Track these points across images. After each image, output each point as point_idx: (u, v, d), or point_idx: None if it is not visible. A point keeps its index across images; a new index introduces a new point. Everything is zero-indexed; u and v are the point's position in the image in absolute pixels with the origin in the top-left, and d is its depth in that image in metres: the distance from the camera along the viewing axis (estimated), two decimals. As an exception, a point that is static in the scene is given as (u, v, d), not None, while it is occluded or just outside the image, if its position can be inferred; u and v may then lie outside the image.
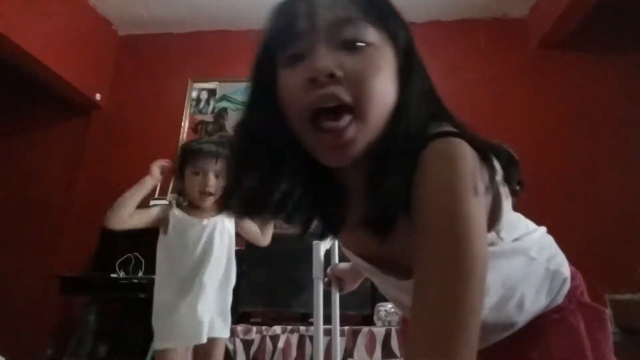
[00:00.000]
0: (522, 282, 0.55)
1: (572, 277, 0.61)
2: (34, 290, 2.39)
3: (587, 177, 2.46)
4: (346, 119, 0.45)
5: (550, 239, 0.64)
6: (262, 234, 1.48)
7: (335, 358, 1.10)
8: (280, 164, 0.50)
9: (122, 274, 2.12)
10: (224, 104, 2.86)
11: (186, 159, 1.31)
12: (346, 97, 0.44)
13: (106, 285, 2.08)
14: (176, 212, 1.31)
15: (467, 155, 0.44)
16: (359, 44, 0.46)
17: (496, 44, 2.82)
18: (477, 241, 0.40)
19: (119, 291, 2.04)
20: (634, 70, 2.62)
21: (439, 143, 0.45)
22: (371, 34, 0.47)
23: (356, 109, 0.45)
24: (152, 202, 2.29)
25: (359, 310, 1.90)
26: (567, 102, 2.63)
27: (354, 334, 1.73)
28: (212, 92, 2.89)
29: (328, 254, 1.12)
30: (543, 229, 0.65)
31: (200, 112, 2.85)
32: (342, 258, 1.05)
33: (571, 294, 0.59)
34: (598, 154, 2.50)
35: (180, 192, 1.36)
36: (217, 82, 2.91)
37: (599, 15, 2.43)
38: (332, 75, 0.44)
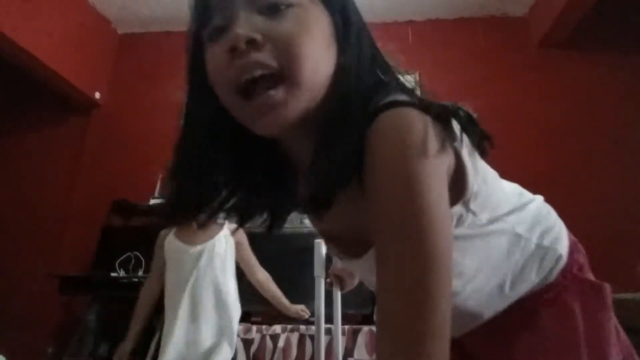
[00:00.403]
0: (505, 262, 0.52)
1: (571, 251, 0.56)
2: (34, 289, 2.39)
3: (587, 176, 2.46)
4: (280, 90, 0.41)
5: (547, 209, 0.59)
6: (258, 269, 1.48)
7: (337, 357, 1.09)
8: (220, 149, 0.47)
9: (122, 273, 2.12)
10: (223, 102, 2.85)
11: None
12: (271, 62, 0.41)
13: (106, 285, 2.08)
14: (171, 238, 1.33)
15: (418, 124, 0.40)
16: (282, 6, 0.42)
17: (496, 42, 2.82)
18: (436, 222, 0.37)
19: (120, 290, 2.04)
20: (634, 68, 2.62)
21: (388, 114, 0.41)
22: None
23: (285, 73, 0.41)
24: (152, 201, 2.29)
25: (359, 309, 1.90)
26: (567, 100, 2.63)
27: (354, 333, 1.73)
28: (211, 91, 2.89)
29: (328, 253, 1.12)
30: (539, 199, 0.59)
31: (200, 111, 2.85)
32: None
33: (567, 270, 0.54)
34: (598, 153, 2.50)
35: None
36: (216, 81, 2.91)
37: (598, 14, 2.43)
38: (252, 42, 0.41)
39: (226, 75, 0.43)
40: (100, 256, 2.28)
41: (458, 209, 0.46)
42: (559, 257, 0.54)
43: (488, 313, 0.54)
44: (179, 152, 0.49)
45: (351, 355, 1.70)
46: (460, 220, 0.46)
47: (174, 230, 1.33)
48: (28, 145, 2.86)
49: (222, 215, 0.52)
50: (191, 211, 0.51)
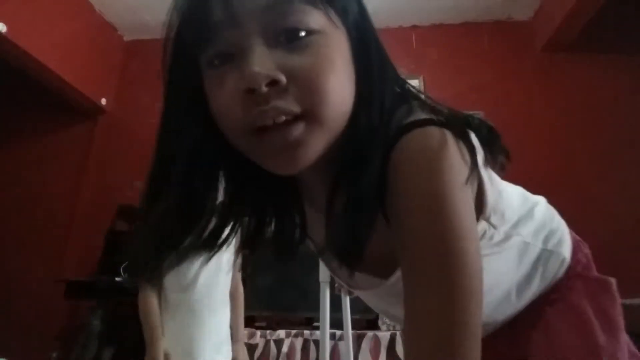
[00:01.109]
0: (513, 271, 0.50)
1: (575, 252, 0.56)
2: (39, 294, 2.39)
3: (591, 179, 2.44)
4: (299, 127, 0.36)
5: (550, 212, 0.57)
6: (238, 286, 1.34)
7: None
8: (207, 174, 0.41)
9: (127, 278, 2.12)
10: (228, 108, 2.87)
11: None
12: (295, 108, 0.36)
13: (111, 289, 2.08)
14: None
15: (449, 145, 0.36)
16: (302, 33, 0.36)
17: (501, 47, 2.82)
18: (470, 249, 0.35)
19: (124, 295, 2.04)
20: (638, 72, 2.60)
21: (413, 137, 0.37)
22: (316, 18, 0.37)
23: (309, 116, 0.36)
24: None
25: (364, 314, 1.89)
26: (573, 104, 2.62)
27: (359, 338, 1.72)
28: (216, 97, 2.90)
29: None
30: (542, 201, 0.57)
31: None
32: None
33: (571, 270, 0.54)
34: (603, 156, 2.48)
35: None
36: (221, 87, 2.92)
37: (603, 17, 2.42)
38: (274, 83, 0.35)
39: (239, 117, 0.36)
40: (105, 261, 2.29)
41: (481, 225, 0.44)
42: (563, 259, 0.54)
43: (498, 319, 0.53)
44: (154, 177, 0.43)
45: (356, 361, 1.69)
46: (483, 237, 0.44)
47: None
48: (34, 150, 2.88)
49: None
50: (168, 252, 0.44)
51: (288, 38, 0.36)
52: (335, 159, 0.39)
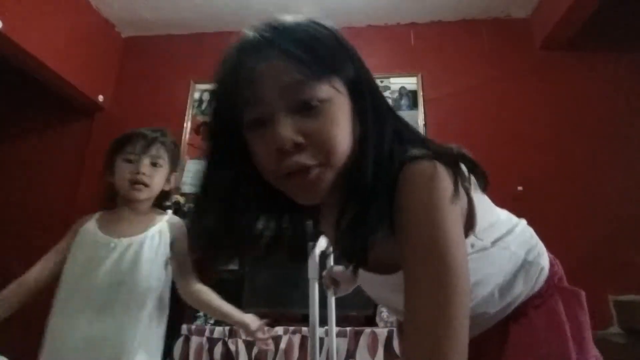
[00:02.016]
0: (498, 274, 0.61)
1: (551, 265, 0.67)
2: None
3: (590, 177, 2.45)
4: (314, 171, 0.50)
5: (530, 231, 0.69)
6: (194, 278, 1.15)
7: (331, 358, 1.09)
8: (248, 197, 0.56)
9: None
10: (226, 105, 2.86)
11: (116, 148, 1.10)
12: (311, 161, 0.49)
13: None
14: (89, 226, 1.09)
15: (440, 174, 0.48)
16: (314, 103, 0.49)
17: (499, 44, 2.82)
18: (458, 254, 0.45)
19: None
20: (637, 70, 2.61)
21: (413, 168, 0.49)
22: (324, 90, 0.50)
23: (322, 164, 0.50)
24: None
25: (361, 310, 1.89)
26: (570, 102, 2.62)
27: (357, 335, 1.73)
28: (214, 94, 2.90)
29: (324, 255, 1.12)
30: (523, 222, 0.70)
31: (202, 113, 2.86)
32: (339, 259, 1.05)
33: (550, 280, 0.65)
34: (601, 155, 2.49)
35: (105, 201, 1.14)
36: (219, 84, 2.92)
37: (602, 15, 2.42)
38: (297, 145, 0.49)
39: (273, 168, 0.51)
40: (103, 258, 2.29)
41: (470, 239, 0.55)
42: (542, 269, 0.65)
43: (486, 312, 0.62)
44: (206, 201, 0.56)
45: (353, 357, 1.69)
46: (472, 247, 0.56)
47: (97, 215, 1.12)
48: (31, 148, 2.87)
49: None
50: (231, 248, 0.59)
51: (304, 107, 0.49)
52: (341, 185, 0.52)
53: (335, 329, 1.70)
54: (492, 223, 0.60)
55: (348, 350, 1.70)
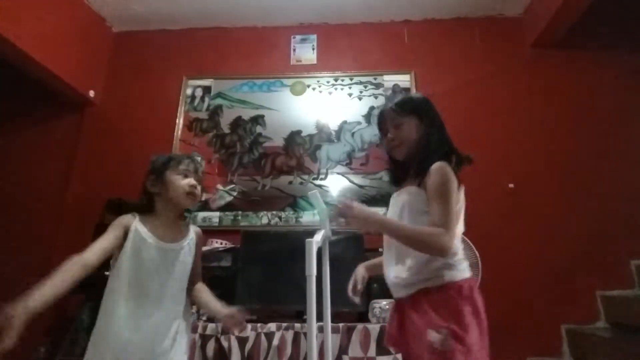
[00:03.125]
0: (426, 262, 1.06)
1: (466, 280, 1.05)
2: (27, 288, 2.36)
3: (579, 174, 2.48)
4: (399, 147, 1.22)
5: (462, 246, 1.13)
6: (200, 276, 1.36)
7: (327, 353, 1.10)
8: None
9: (116, 272, 2.10)
10: (218, 101, 2.85)
11: (166, 165, 1.29)
12: (399, 152, 1.22)
13: (100, 284, 2.06)
14: (138, 226, 1.22)
15: (448, 169, 1.06)
16: (398, 122, 1.20)
17: (491, 42, 2.84)
18: (452, 200, 1.03)
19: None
20: (628, 69, 2.64)
21: (438, 164, 1.07)
22: (405, 119, 1.20)
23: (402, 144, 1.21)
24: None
25: (355, 307, 1.90)
26: (562, 100, 2.65)
27: (349, 331, 1.74)
28: (207, 89, 2.88)
29: (320, 251, 1.13)
30: (464, 240, 1.31)
31: (195, 109, 2.84)
32: (333, 256, 1.08)
33: (453, 283, 1.03)
34: (592, 152, 2.52)
35: (144, 207, 1.28)
36: (212, 79, 2.90)
37: (593, 14, 2.45)
38: (392, 139, 1.21)
39: (389, 145, 1.24)
40: (94, 255, 2.27)
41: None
42: (456, 272, 1.05)
43: (403, 282, 1.09)
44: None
45: (346, 353, 1.70)
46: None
47: (136, 217, 1.25)
48: (21, 143, 2.84)
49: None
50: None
51: (395, 127, 1.23)
52: (411, 158, 1.19)
53: (330, 325, 1.71)
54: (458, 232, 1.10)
55: (341, 346, 1.71)
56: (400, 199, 1.16)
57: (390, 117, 1.19)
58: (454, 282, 1.02)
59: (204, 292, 1.32)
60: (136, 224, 1.23)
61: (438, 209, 1.00)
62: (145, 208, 1.29)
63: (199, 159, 1.39)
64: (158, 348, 1.16)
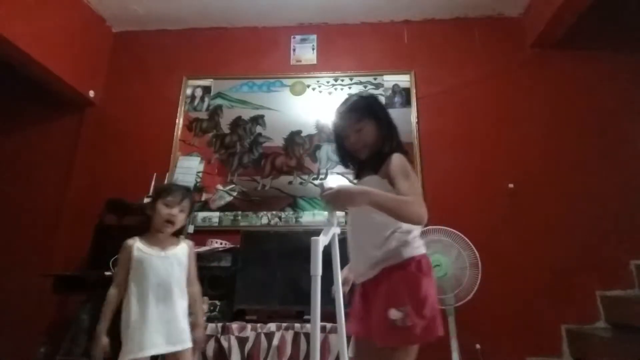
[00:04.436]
0: (385, 238, 1.15)
1: (421, 256, 1.15)
2: (28, 288, 2.37)
3: (579, 174, 2.48)
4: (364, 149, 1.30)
5: (418, 231, 1.21)
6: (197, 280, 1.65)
7: (343, 356, 1.08)
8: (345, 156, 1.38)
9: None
10: (218, 101, 2.85)
11: (160, 194, 1.61)
12: (363, 153, 1.30)
13: (100, 284, 2.06)
14: (139, 245, 1.55)
15: (403, 157, 1.18)
16: (358, 126, 1.28)
17: (491, 42, 2.84)
18: (414, 177, 1.14)
19: (114, 289, 2.03)
20: (627, 68, 2.64)
21: (394, 155, 1.19)
22: (363, 123, 1.29)
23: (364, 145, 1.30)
24: (145, 200, 2.28)
25: (348, 307, 1.90)
26: (562, 100, 2.65)
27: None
28: (206, 90, 2.88)
29: (326, 250, 1.12)
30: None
31: (194, 109, 2.84)
32: (343, 254, 1.06)
33: (412, 259, 1.12)
34: (591, 152, 2.52)
35: (143, 225, 1.61)
36: (211, 79, 2.90)
37: (593, 14, 2.45)
38: (355, 143, 1.30)
39: (356, 147, 1.32)
40: (94, 255, 2.27)
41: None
42: (412, 250, 1.14)
43: (368, 264, 1.16)
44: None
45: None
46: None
47: (137, 239, 1.55)
48: (22, 143, 2.84)
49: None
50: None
51: (357, 131, 1.31)
52: (371, 155, 1.29)
53: (328, 325, 1.71)
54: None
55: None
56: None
57: (349, 124, 1.29)
58: (412, 257, 1.11)
59: (194, 298, 1.60)
60: (137, 244, 1.55)
61: (406, 184, 1.08)
62: (144, 226, 1.59)
63: (187, 192, 1.66)
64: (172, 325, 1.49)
